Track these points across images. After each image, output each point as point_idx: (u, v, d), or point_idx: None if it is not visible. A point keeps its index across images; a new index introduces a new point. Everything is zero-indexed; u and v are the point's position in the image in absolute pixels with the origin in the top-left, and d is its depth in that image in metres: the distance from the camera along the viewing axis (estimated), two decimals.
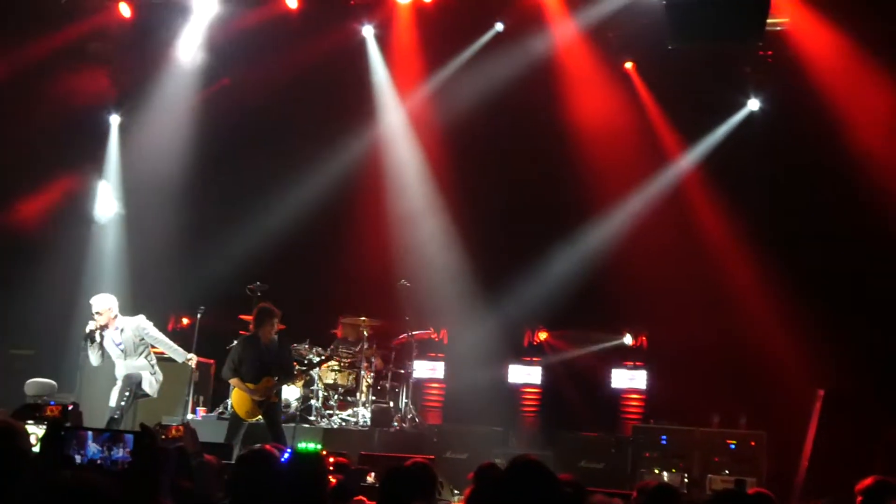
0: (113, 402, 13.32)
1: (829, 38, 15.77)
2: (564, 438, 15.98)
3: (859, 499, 7.65)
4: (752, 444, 15.15)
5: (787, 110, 16.80)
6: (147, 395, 13.57)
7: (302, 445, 13.39)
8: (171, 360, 14.09)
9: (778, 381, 15.63)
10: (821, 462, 14.42)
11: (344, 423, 16.23)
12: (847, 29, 15.53)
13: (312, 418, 16.08)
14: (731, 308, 16.56)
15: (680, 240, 17.05)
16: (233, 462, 9.28)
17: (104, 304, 13.49)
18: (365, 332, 16.70)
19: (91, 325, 13.40)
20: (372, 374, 16.68)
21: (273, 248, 17.97)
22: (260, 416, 13.74)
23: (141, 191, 19.04)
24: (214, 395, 16.91)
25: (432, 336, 17.86)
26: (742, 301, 16.55)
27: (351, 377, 16.59)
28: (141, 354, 13.57)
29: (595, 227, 17.81)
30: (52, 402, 9.86)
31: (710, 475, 14.90)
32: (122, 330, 13.50)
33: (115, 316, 13.53)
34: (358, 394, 16.55)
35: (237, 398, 13.76)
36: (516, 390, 18.16)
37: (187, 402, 15.63)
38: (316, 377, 16.29)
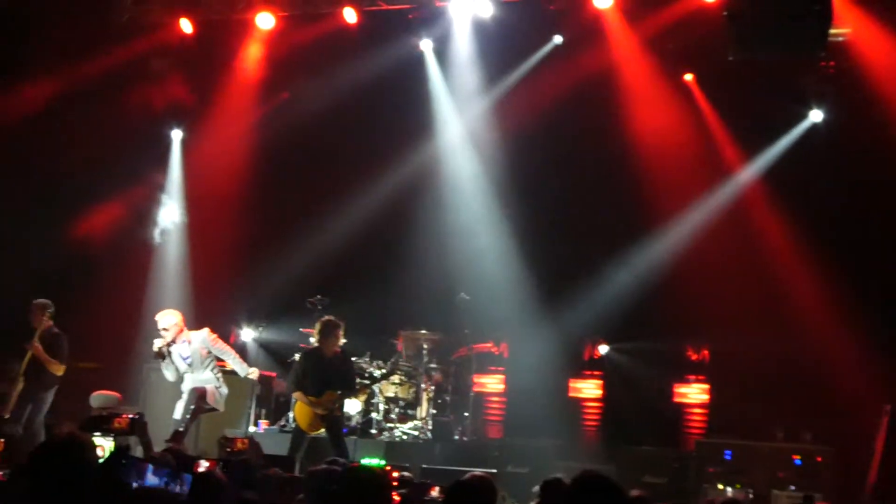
0: (178, 415, 13.40)
1: (893, 48, 15.59)
2: (626, 453, 15.84)
3: None
4: (818, 459, 14.93)
5: (849, 121, 16.58)
6: (213, 409, 13.66)
7: (365, 460, 13.39)
8: (233, 372, 14.16)
9: (844, 395, 15.37)
10: (888, 477, 14.19)
11: (405, 437, 16.21)
12: None
13: (373, 432, 16.09)
14: (794, 321, 16.34)
15: (742, 252, 16.90)
16: (297, 475, 9.29)
17: (170, 321, 13.59)
18: (425, 346, 16.70)
19: (158, 343, 13.50)
20: (432, 387, 16.67)
21: (333, 261, 18.05)
22: (322, 430, 13.75)
23: (203, 205, 19.21)
24: (276, 407, 16.97)
25: (492, 349, 17.85)
26: (806, 314, 16.34)
27: (411, 391, 16.60)
28: (207, 367, 13.67)
29: (656, 240, 17.69)
30: (119, 414, 9.96)
31: (774, 491, 14.69)
32: (188, 343, 13.62)
33: (182, 330, 13.64)
34: (418, 407, 16.55)
35: (300, 411, 13.80)
36: (577, 404, 18.10)
37: (249, 414, 15.71)
38: (377, 391, 16.30)
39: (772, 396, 15.91)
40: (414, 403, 16.61)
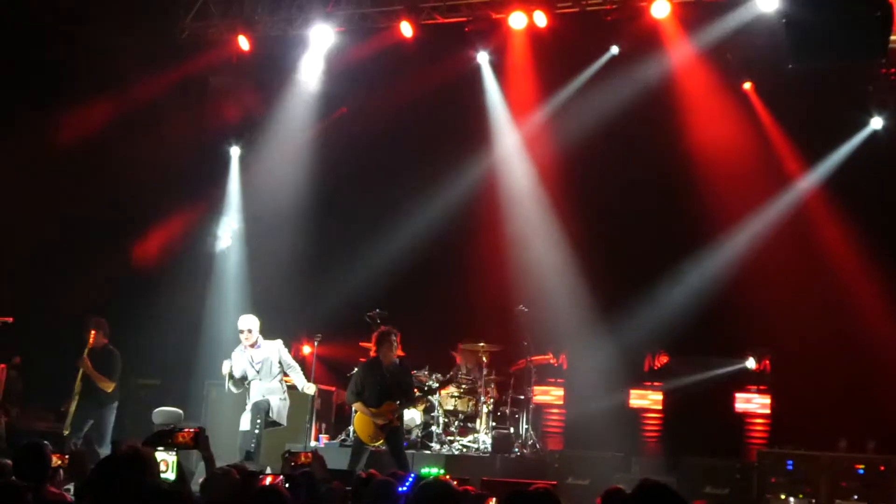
0: (245, 427, 13.53)
1: None
2: (688, 464, 15.70)
3: None
4: (882, 468, 14.75)
5: None
6: (278, 425, 13.77)
7: (425, 470, 13.41)
8: (293, 387, 14.26)
9: None
10: None
11: (465, 450, 16.19)
12: None
13: (434, 444, 16.09)
14: (856, 330, 16.23)
15: (803, 261, 16.78)
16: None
17: (254, 322, 13.92)
18: (483, 358, 16.68)
19: (226, 367, 13.73)
20: (492, 399, 16.65)
21: (391, 274, 18.10)
22: (382, 441, 13.79)
23: (261, 221, 19.36)
24: (336, 422, 17.02)
25: (551, 361, 17.81)
26: (868, 322, 16.22)
27: (471, 403, 16.59)
28: (275, 378, 13.87)
29: (716, 250, 17.60)
30: (182, 429, 10.03)
31: (838, 500, 14.53)
32: (261, 350, 13.78)
33: (257, 337, 13.86)
34: (478, 420, 16.53)
35: (359, 423, 13.84)
36: (637, 415, 18.02)
37: (309, 429, 15.77)
38: (436, 403, 16.31)
39: (834, 406, 15.76)
40: (473, 416, 16.60)
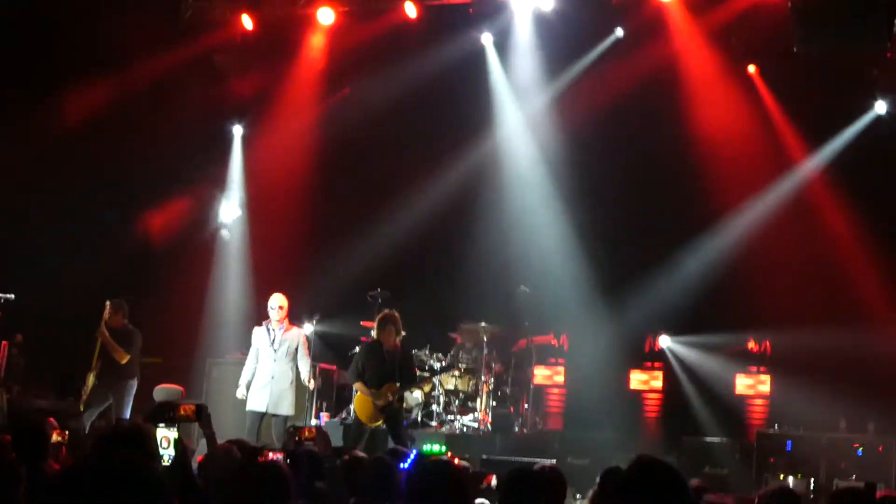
0: (260, 407, 13.83)
1: None
2: (687, 444, 15.79)
3: None
4: (880, 449, 14.85)
5: None
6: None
7: (427, 447, 13.47)
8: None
9: None
10: None
11: (465, 429, 16.28)
12: None
13: (434, 423, 16.16)
14: (856, 312, 16.25)
15: (804, 244, 16.81)
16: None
17: (284, 301, 14.10)
18: (484, 338, 16.73)
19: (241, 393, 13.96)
20: (492, 379, 16.72)
21: (393, 254, 18.13)
22: (381, 422, 13.86)
23: (263, 200, 19.38)
24: (337, 400, 17.08)
25: (552, 342, 17.87)
26: (868, 304, 16.26)
27: (471, 383, 16.66)
28: (290, 362, 14.01)
29: (717, 233, 17.62)
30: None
31: (837, 481, 14.58)
32: (284, 331, 13.99)
33: (286, 316, 14.10)
34: (478, 399, 16.60)
35: (360, 403, 13.89)
36: (638, 396, 18.10)
37: (309, 407, 15.83)
38: (437, 383, 16.38)
39: (834, 387, 15.78)
40: (474, 395, 16.67)
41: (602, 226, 18.06)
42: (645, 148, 17.84)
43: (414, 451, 9.39)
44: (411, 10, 17.51)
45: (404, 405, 14.97)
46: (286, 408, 13.99)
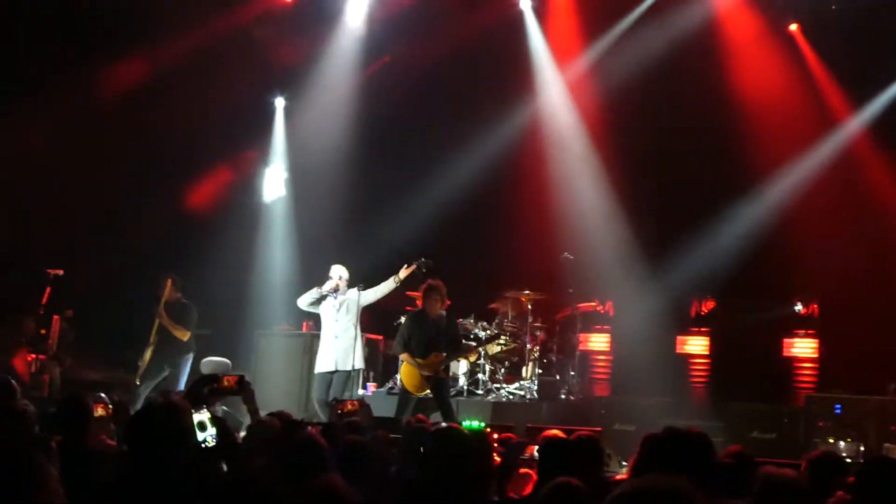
0: (329, 367, 14.30)
1: None
2: (735, 409, 15.62)
3: None
4: None
5: None
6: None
7: (466, 423, 13.47)
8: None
9: None
10: None
11: (511, 397, 16.25)
12: None
13: (479, 392, 16.15)
14: None
15: (850, 204, 16.64)
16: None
17: (344, 272, 14.47)
18: (529, 306, 16.69)
19: (328, 287, 14.34)
20: (537, 347, 16.69)
21: (436, 223, 18.09)
22: (428, 391, 13.88)
23: (307, 171, 19.40)
24: (384, 370, 17.13)
25: (597, 308, 17.80)
26: None
27: (517, 351, 16.64)
28: (350, 322, 14.30)
29: (762, 194, 17.46)
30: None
31: (887, 444, 14.41)
32: (343, 294, 14.39)
33: (345, 283, 14.43)
34: (524, 367, 16.59)
35: (406, 373, 13.94)
36: (684, 361, 17.99)
37: (356, 376, 15.86)
38: (482, 352, 16.36)
39: (883, 349, 15.62)
40: (519, 364, 16.66)
41: (645, 189, 17.96)
42: (687, 109, 17.66)
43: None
44: None
45: (450, 374, 15.00)
46: (356, 361, 14.24)
